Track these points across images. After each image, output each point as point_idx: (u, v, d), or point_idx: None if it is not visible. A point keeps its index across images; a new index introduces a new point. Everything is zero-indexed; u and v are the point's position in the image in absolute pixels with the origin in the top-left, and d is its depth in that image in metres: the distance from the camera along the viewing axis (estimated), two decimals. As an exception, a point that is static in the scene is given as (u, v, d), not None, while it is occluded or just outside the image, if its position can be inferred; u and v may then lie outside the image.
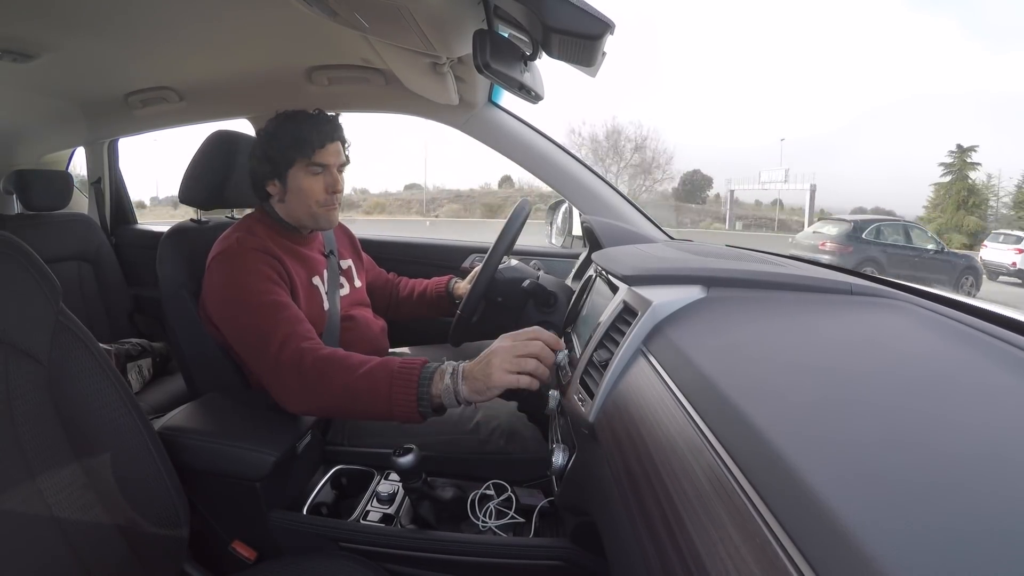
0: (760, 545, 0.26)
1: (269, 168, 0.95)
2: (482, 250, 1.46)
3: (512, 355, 0.70)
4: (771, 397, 0.36)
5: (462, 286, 1.23)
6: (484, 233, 1.84)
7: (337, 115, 1.01)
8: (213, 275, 0.89)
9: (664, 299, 0.56)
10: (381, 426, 0.96)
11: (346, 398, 0.75)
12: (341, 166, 0.99)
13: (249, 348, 0.85)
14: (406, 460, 0.76)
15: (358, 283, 1.14)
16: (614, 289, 0.69)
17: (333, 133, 0.97)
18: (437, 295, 1.25)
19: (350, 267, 1.14)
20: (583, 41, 0.70)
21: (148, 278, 1.69)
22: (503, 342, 0.73)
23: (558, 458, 0.67)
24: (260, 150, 0.96)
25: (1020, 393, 0.34)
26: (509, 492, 0.82)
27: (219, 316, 0.89)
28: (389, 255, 1.47)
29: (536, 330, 0.73)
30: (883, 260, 7.12)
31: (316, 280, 1.00)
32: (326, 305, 1.00)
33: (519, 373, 0.70)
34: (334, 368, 0.77)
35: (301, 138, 0.93)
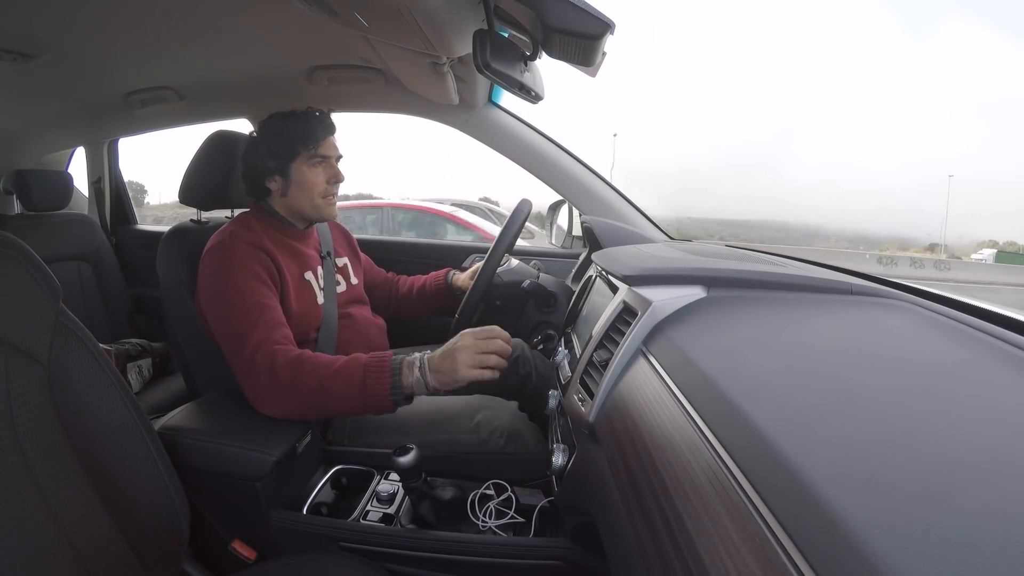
0: (760, 544, 0.26)
1: (272, 163, 0.99)
2: (482, 250, 1.46)
3: (475, 352, 0.79)
4: (771, 397, 0.36)
5: (461, 278, 1.23)
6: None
7: (328, 112, 1.06)
8: (204, 268, 0.92)
9: (664, 299, 0.56)
10: (381, 425, 0.96)
11: (320, 394, 0.80)
12: (338, 158, 1.04)
13: (227, 345, 0.87)
14: (406, 460, 0.76)
15: (355, 280, 1.14)
16: (614, 289, 0.69)
17: (331, 127, 1.03)
18: (436, 288, 1.25)
19: (346, 264, 1.14)
20: (583, 41, 0.70)
21: (148, 278, 1.69)
22: (466, 340, 0.81)
23: (558, 458, 0.67)
24: (264, 147, 0.99)
25: (1021, 393, 0.34)
26: (509, 492, 0.82)
27: (206, 310, 0.91)
28: (388, 255, 1.47)
29: (494, 329, 0.83)
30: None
31: (308, 275, 1.01)
32: (320, 300, 1.01)
33: (482, 368, 0.79)
34: (306, 367, 0.81)
35: (304, 131, 0.99)
